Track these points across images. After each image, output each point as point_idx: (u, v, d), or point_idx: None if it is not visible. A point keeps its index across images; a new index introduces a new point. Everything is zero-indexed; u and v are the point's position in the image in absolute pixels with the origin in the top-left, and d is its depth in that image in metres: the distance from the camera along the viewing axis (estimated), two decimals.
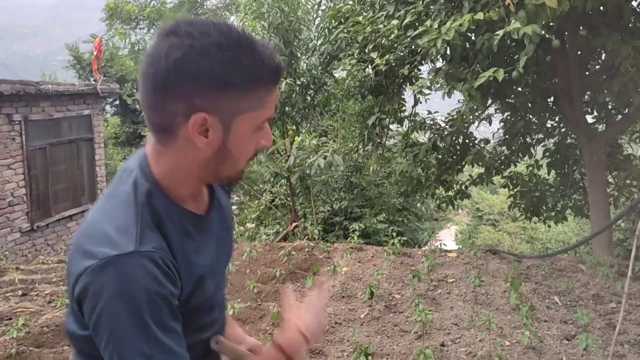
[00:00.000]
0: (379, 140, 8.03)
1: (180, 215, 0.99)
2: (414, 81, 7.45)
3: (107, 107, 21.58)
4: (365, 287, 4.86)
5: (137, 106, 21.47)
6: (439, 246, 7.62)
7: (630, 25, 5.43)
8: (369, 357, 3.32)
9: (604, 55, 6.30)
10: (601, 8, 5.09)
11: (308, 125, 7.56)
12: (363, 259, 5.72)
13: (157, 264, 0.88)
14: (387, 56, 5.60)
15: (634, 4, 5.62)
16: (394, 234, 6.02)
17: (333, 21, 6.90)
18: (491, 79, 4.58)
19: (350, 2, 6.86)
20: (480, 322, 4.11)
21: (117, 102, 21.63)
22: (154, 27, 14.78)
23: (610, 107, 6.55)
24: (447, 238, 19.83)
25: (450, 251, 6.01)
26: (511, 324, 4.17)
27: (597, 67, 6.39)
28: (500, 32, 4.15)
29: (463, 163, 7.91)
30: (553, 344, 3.84)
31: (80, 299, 0.88)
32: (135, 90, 20.30)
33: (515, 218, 19.28)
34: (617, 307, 4.53)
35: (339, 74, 8.56)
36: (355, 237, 6.05)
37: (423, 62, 5.94)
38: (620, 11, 5.39)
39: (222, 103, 0.91)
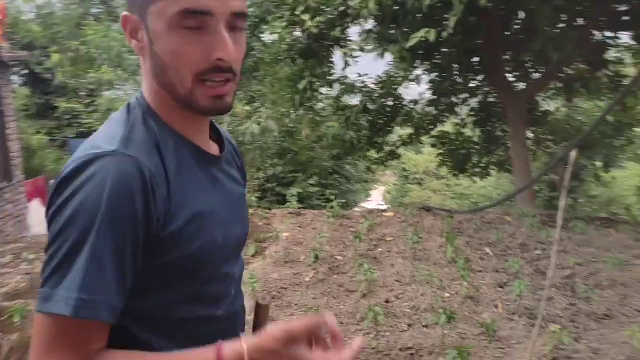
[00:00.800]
0: (310, 105, 8.01)
1: (179, 141, 0.88)
2: (343, 44, 7.43)
3: (15, 78, 19.98)
4: (307, 252, 4.91)
5: (48, 75, 20.04)
6: (372, 207, 7.84)
7: None
8: None
9: (523, 15, 6.57)
10: None
11: (238, 91, 7.35)
12: (303, 224, 5.75)
13: (139, 172, 0.77)
14: (318, 18, 5.52)
15: None
16: (332, 197, 6.09)
17: None
18: (423, 40, 4.64)
19: None
20: (420, 277, 4.28)
21: (26, 71, 20.05)
22: None
23: (529, 66, 6.87)
24: (377, 199, 20.42)
25: (386, 211, 6.16)
26: (449, 276, 4.37)
27: (518, 27, 6.64)
28: None
29: (393, 124, 8.08)
30: (489, 292, 4.08)
31: (48, 207, 0.78)
32: (43, 59, 18.89)
33: (440, 176, 20.12)
34: (542, 254, 4.87)
35: (267, 37, 8.36)
36: (294, 202, 6.06)
37: (353, 23, 5.91)
38: None
39: None
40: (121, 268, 0.76)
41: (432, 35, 4.43)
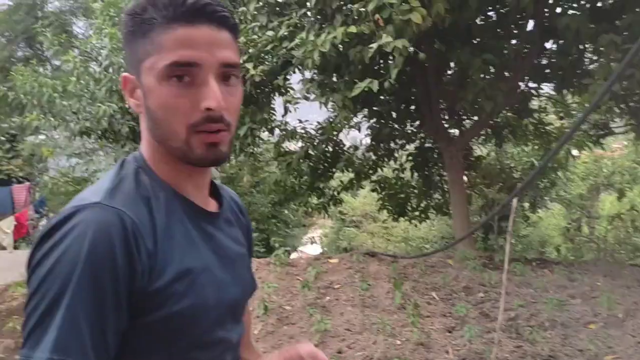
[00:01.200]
0: (251, 151, 7.98)
1: (171, 195, 0.86)
2: (283, 91, 7.53)
3: None
4: (253, 301, 4.77)
5: None
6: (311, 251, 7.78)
7: (478, 40, 6.04)
8: None
9: (452, 65, 6.96)
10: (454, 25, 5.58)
11: None
12: None
13: (121, 223, 0.75)
14: (261, 67, 5.57)
15: (478, 21, 6.28)
16: (277, 244, 6.01)
17: None
18: (365, 89, 4.78)
19: None
20: (370, 325, 4.25)
21: None
22: None
23: (461, 113, 7.22)
24: (313, 242, 20.37)
25: (331, 257, 6.14)
26: (399, 322, 4.37)
27: (451, 77, 7.01)
28: (375, 45, 4.36)
29: (334, 170, 8.17)
30: (439, 338, 4.10)
31: (29, 262, 0.76)
32: None
33: (377, 219, 20.45)
34: (485, 296, 4.99)
35: None
36: None
37: (295, 72, 6.01)
38: (469, 28, 5.99)
39: (129, 56, 0.88)
40: (100, 325, 0.73)
41: (375, 86, 4.57)
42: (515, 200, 3.26)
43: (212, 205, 0.96)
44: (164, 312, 0.78)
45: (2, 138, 18.34)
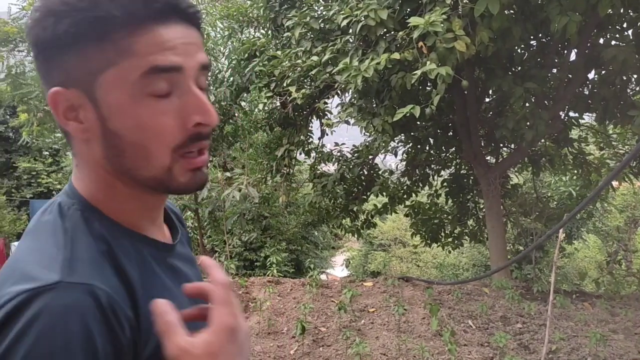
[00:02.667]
0: (287, 172, 8.08)
1: (136, 242, 0.72)
2: (321, 114, 7.64)
3: None
4: (289, 322, 4.81)
5: (10, 134, 19.64)
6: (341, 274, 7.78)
7: (520, 68, 6.05)
8: None
9: (491, 92, 6.96)
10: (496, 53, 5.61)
11: (217, 158, 7.40)
12: (282, 293, 5.65)
13: (95, 302, 0.59)
14: (304, 90, 5.69)
15: (520, 50, 6.30)
16: (311, 265, 6.04)
17: (243, 54, 6.89)
18: (407, 114, 4.82)
19: (263, 38, 6.94)
20: (407, 350, 4.22)
21: None
22: None
23: (499, 141, 7.18)
24: (340, 265, 20.30)
25: (366, 280, 6.13)
26: (434, 349, 4.33)
27: (490, 104, 7.00)
28: (418, 72, 4.41)
29: (369, 193, 8.20)
30: None
31: None
32: (8, 117, 18.51)
33: (405, 244, 20.29)
34: (523, 327, 4.90)
35: (246, 105, 8.53)
36: (275, 271, 5.97)
37: (336, 96, 6.12)
38: (511, 56, 6.02)
39: (70, 66, 0.65)
40: None
41: (417, 111, 4.61)
42: (560, 231, 3.23)
43: (165, 230, 0.84)
44: None
45: (46, 153, 19.00)
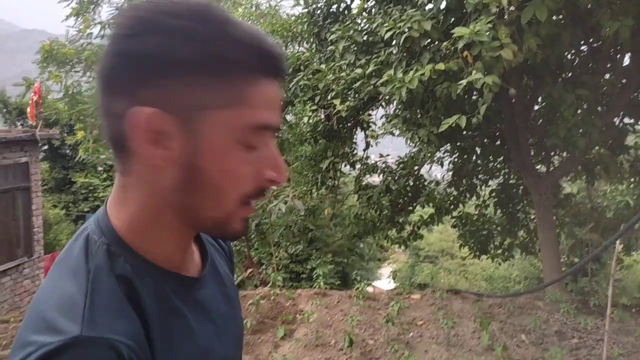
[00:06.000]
0: (332, 184, 8.12)
1: (160, 279, 0.70)
2: (365, 125, 7.65)
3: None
4: (337, 334, 4.80)
5: (67, 151, 20.56)
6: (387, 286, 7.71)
7: (570, 75, 5.89)
8: None
9: (540, 100, 6.79)
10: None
11: None
12: (329, 305, 5.65)
13: (119, 354, 0.58)
14: (348, 102, 5.72)
15: (569, 56, 6.13)
16: (358, 277, 6.03)
17: (288, 68, 7.00)
18: (453, 125, 4.77)
19: (307, 52, 7.04)
20: None
21: (46, 146, 20.64)
22: (90, 70, 14.37)
23: (550, 149, 6.99)
24: (388, 277, 20.10)
25: (413, 293, 6.06)
26: None
27: (540, 112, 6.84)
28: (464, 82, 4.36)
29: (415, 204, 8.12)
30: None
31: None
32: (66, 135, 19.44)
33: (453, 256, 19.90)
34: (579, 342, 4.72)
35: (291, 118, 8.64)
36: (321, 282, 5.99)
37: (381, 107, 6.13)
38: (561, 62, 5.86)
39: (175, 92, 0.63)
40: None
41: (463, 121, 4.56)
42: (618, 242, 3.11)
43: (196, 256, 0.82)
44: None
45: (100, 168, 19.79)
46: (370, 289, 8.80)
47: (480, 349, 4.52)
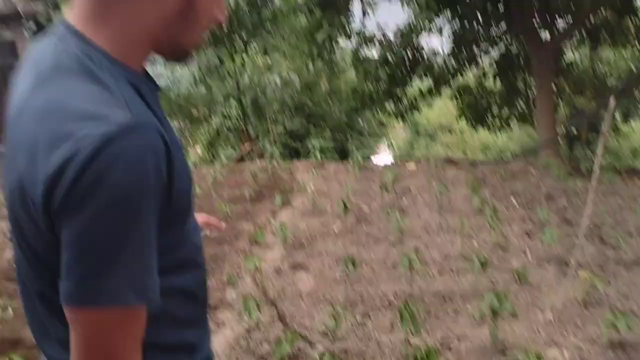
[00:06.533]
0: (329, 58, 7.91)
1: (146, 85, 0.76)
2: None
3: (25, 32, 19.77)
4: (333, 202, 4.96)
5: None
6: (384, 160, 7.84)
7: None
8: (354, 266, 3.43)
9: None
10: None
11: (257, 44, 7.27)
12: (326, 176, 5.78)
13: (163, 142, 0.64)
14: None
15: None
16: (353, 147, 6.11)
17: None
18: None
19: None
20: (448, 226, 4.33)
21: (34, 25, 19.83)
22: None
23: (557, 12, 6.68)
24: (386, 152, 20.37)
25: (408, 162, 6.17)
26: (476, 225, 4.40)
27: None
28: None
29: (412, 76, 7.97)
30: (517, 241, 4.12)
31: (66, 201, 0.60)
32: (51, 11, 18.53)
33: (452, 131, 19.97)
34: (567, 203, 4.88)
35: None
36: (317, 154, 6.07)
37: None
38: None
39: None
40: (154, 247, 0.67)
41: None
42: (613, 100, 3.07)
43: None
44: (180, 200, 0.72)
45: None
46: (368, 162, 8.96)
47: (471, 212, 4.69)
